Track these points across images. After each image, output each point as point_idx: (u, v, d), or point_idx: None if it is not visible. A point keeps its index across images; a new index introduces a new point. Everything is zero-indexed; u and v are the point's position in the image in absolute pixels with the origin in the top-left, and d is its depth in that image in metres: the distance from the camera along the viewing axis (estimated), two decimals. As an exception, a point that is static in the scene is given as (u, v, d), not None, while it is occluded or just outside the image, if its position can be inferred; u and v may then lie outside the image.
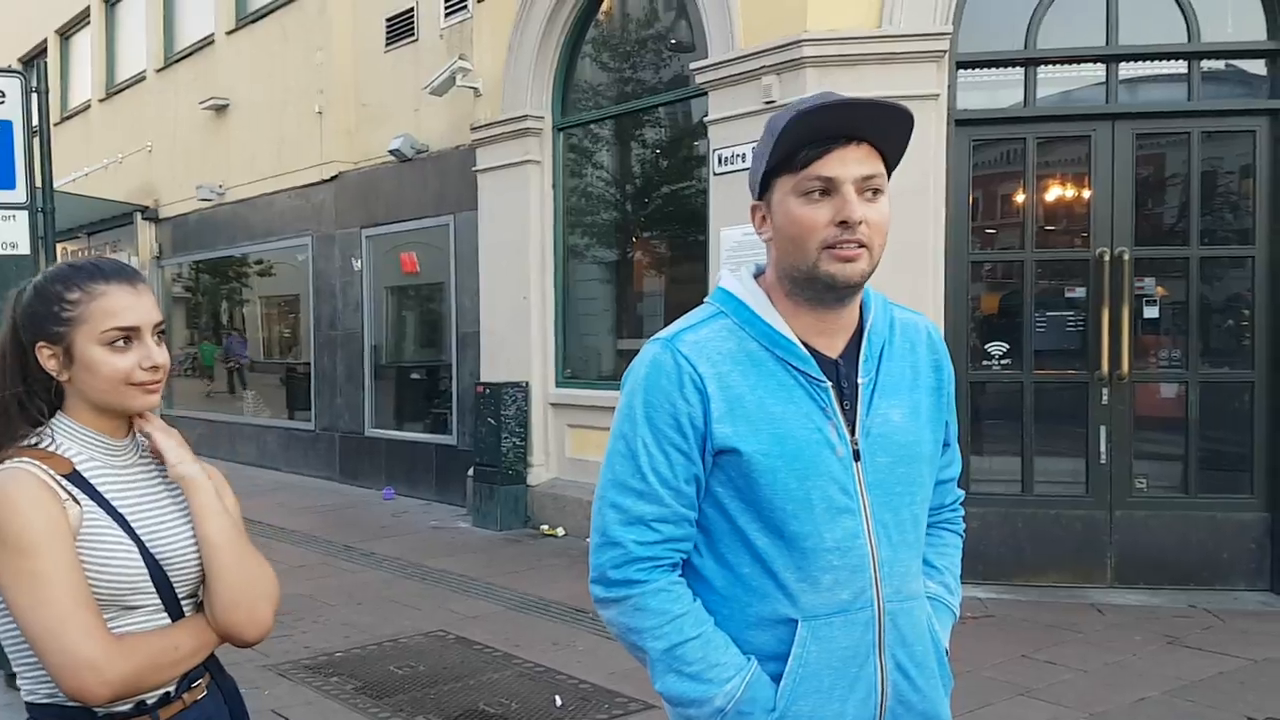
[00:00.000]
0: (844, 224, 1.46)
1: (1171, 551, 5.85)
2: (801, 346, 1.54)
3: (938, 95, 5.88)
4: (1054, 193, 6.36)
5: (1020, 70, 6.07)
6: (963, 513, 1.83)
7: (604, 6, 8.00)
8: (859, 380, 1.56)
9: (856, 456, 1.53)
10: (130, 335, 1.55)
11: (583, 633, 5.21)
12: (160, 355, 1.57)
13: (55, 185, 6.46)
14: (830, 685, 1.50)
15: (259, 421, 12.40)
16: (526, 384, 8.10)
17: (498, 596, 6.03)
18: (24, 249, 5.80)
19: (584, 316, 8.36)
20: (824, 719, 1.50)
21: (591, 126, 8.25)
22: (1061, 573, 5.94)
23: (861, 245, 1.48)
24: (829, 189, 1.47)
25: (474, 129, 8.45)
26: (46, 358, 1.54)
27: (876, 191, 1.49)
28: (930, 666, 1.59)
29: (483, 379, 8.42)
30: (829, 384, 1.53)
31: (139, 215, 14.01)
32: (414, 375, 10.23)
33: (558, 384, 8.15)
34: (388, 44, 10.01)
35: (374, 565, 6.95)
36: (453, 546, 7.49)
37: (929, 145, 5.82)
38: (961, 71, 6.05)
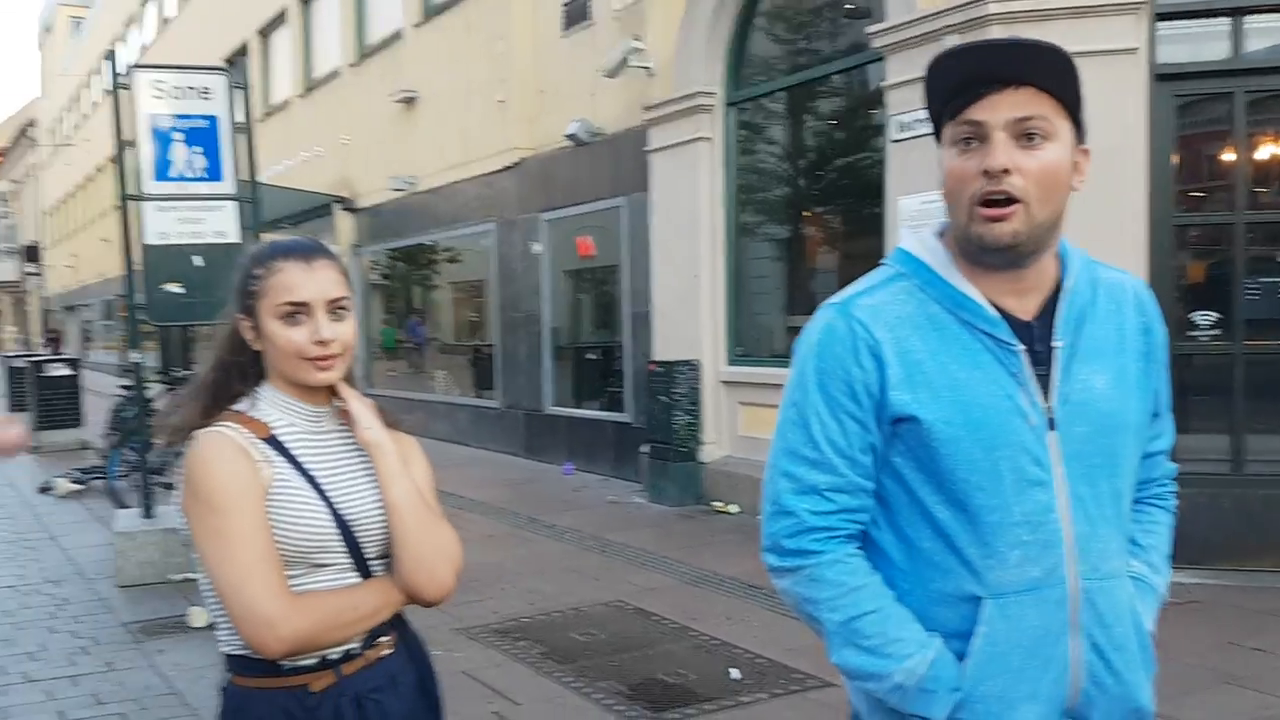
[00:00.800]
0: (988, 174, 1.38)
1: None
2: (990, 308, 1.45)
3: (1136, 49, 5.52)
4: (1266, 151, 5.85)
5: (1227, 20, 5.62)
6: (1174, 488, 1.69)
7: (776, -22, 7.90)
8: (1055, 344, 1.46)
9: (1051, 426, 1.44)
10: (301, 310, 1.60)
11: (757, 608, 5.21)
12: (329, 331, 1.60)
13: (259, 178, 6.94)
14: (1020, 665, 1.43)
15: (450, 399, 12.99)
16: (697, 362, 8.14)
17: (673, 570, 6.11)
18: (233, 237, 6.27)
19: (755, 294, 8.32)
20: (1013, 700, 1.43)
21: (763, 100, 8.18)
22: (1274, 557, 5.50)
23: (1012, 200, 1.38)
24: (978, 136, 1.39)
25: (646, 109, 8.53)
26: (245, 329, 1.65)
27: (1037, 136, 1.38)
28: (1131, 649, 1.49)
29: (654, 357, 8.52)
30: (1021, 348, 1.45)
31: (337, 206, 14.88)
32: (589, 355, 10.47)
33: (729, 361, 8.16)
34: (564, 29, 10.22)
35: (556, 537, 7.17)
36: (629, 521, 7.63)
37: (1128, 102, 5.48)
38: (1161, 23, 5.65)
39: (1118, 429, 1.48)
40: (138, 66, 6.62)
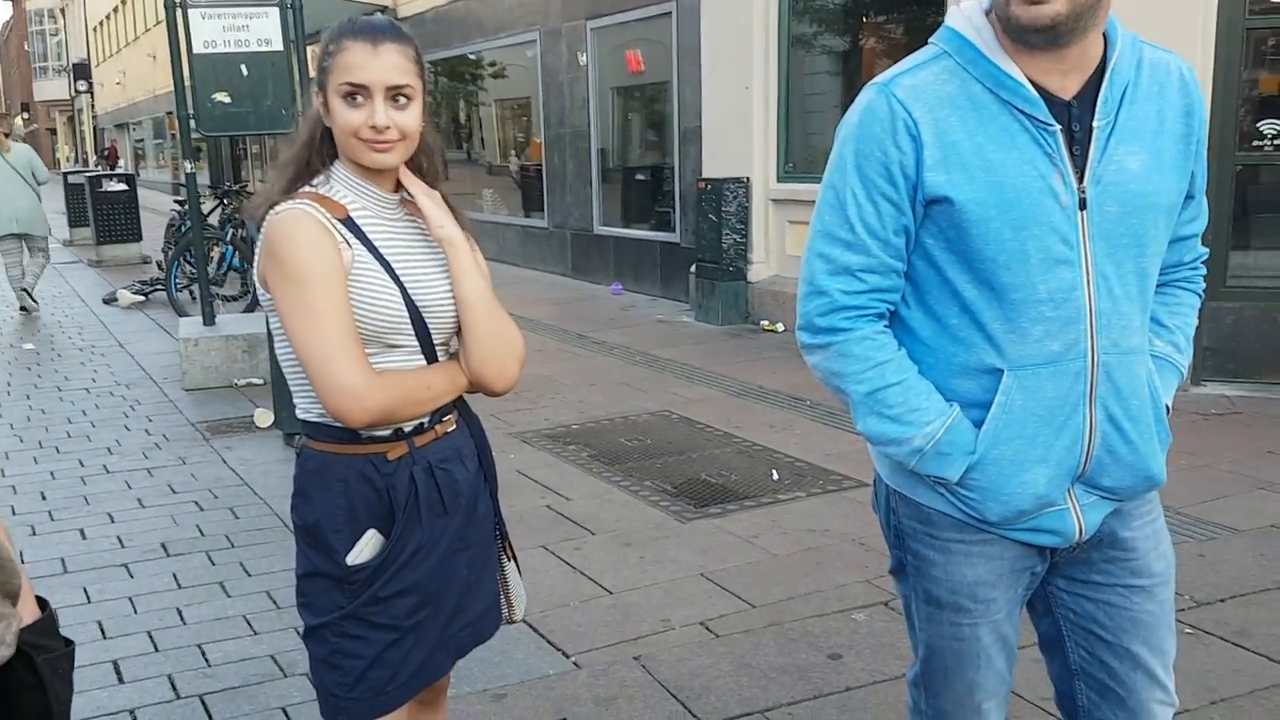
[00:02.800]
0: None
1: None
2: (1030, 87, 1.45)
3: None
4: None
5: None
6: (1204, 271, 1.72)
7: None
8: (1094, 124, 1.47)
9: (1083, 206, 1.47)
10: (359, 92, 1.60)
11: (800, 419, 5.35)
12: (383, 118, 1.60)
13: (303, -17, 6.78)
14: (1034, 433, 1.51)
15: (497, 219, 13.01)
16: (747, 180, 8.04)
17: (719, 383, 6.25)
18: (276, 45, 6.21)
19: (809, 113, 8.10)
20: (1025, 463, 1.52)
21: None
22: (1323, 374, 5.49)
23: None
24: None
25: (699, -91, 8.11)
26: (319, 103, 1.68)
27: None
28: (1146, 421, 1.56)
29: (704, 175, 8.42)
30: (1058, 128, 1.45)
31: (379, 14, 14.50)
32: (638, 174, 10.36)
33: (779, 179, 8.04)
34: None
35: (604, 352, 7.33)
36: (677, 338, 7.75)
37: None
38: None
39: (1148, 210, 1.50)
40: None
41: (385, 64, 1.61)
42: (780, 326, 7.77)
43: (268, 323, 1.69)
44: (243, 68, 6.22)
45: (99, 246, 13.03)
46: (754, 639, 3.07)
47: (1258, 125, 5.55)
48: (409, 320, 1.67)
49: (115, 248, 13.01)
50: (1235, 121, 5.47)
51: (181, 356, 6.42)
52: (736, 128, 8.13)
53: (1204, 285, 1.73)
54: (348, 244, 1.64)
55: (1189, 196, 1.60)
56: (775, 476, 4.53)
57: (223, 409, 5.82)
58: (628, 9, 9.67)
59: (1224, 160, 5.44)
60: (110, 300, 9.92)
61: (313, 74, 1.73)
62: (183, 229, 9.82)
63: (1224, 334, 5.58)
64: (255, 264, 1.70)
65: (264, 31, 6.29)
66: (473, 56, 13.06)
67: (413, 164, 1.74)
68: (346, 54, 1.62)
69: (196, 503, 4.35)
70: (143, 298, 9.84)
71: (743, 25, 7.91)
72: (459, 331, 1.75)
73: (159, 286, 9.72)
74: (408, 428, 1.71)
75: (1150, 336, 1.61)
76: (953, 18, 1.56)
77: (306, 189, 1.69)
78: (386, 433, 1.70)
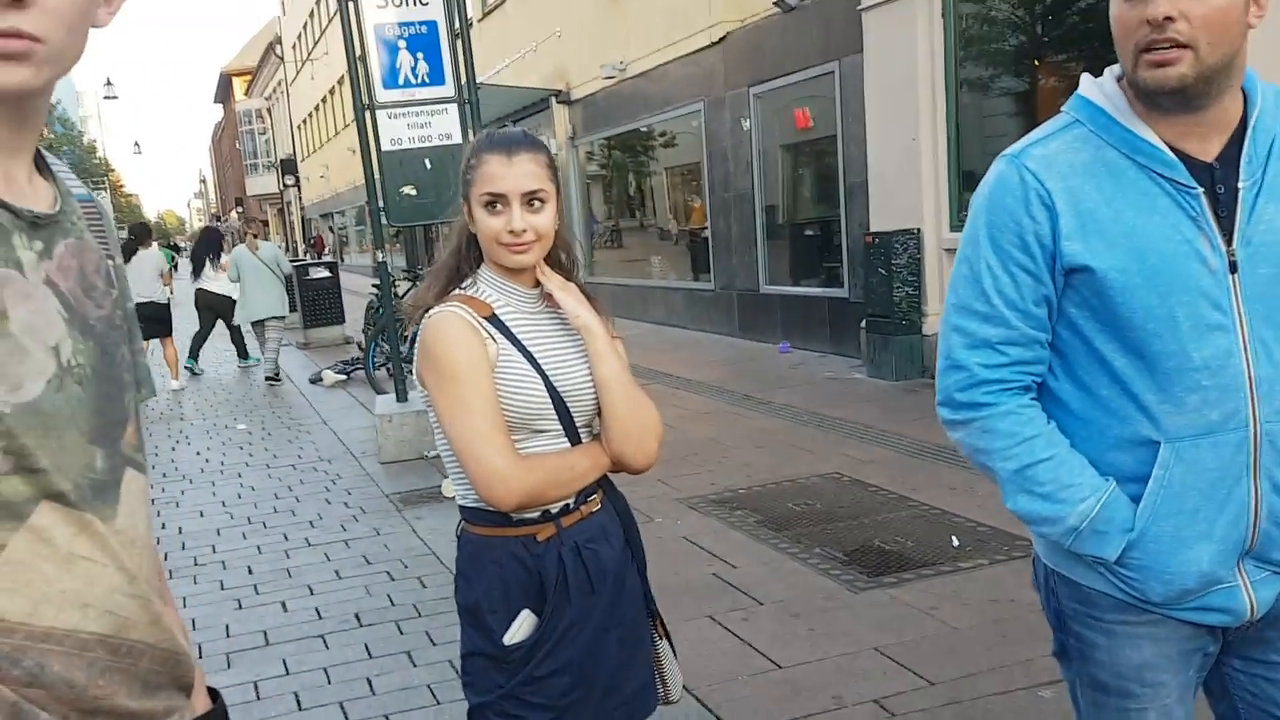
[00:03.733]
0: (1150, 22, 1.32)
1: None
2: (1167, 150, 1.42)
3: None
4: None
5: None
6: None
7: None
8: (1239, 184, 1.42)
9: (1234, 269, 1.41)
10: (499, 200, 1.74)
11: (981, 480, 5.12)
12: (521, 222, 1.73)
13: (479, 79, 7.23)
14: (1195, 507, 1.44)
15: (665, 284, 13.27)
16: (918, 231, 7.90)
17: (892, 443, 6.11)
18: (456, 139, 6.61)
19: (982, 154, 7.90)
20: (1187, 539, 1.45)
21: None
22: None
23: (1178, 45, 1.32)
24: None
25: (855, -32, 8.15)
26: (465, 212, 1.83)
27: None
28: None
29: (871, 229, 8.33)
30: (1200, 190, 1.41)
31: (553, 99, 15.23)
32: (805, 231, 10.35)
33: (952, 228, 7.85)
34: (765, -107, 9.84)
35: (772, 413, 7.30)
36: (847, 396, 7.64)
37: None
38: None
39: None
40: (360, -22, 6.98)
41: (519, 172, 1.74)
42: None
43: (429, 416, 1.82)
44: (426, 161, 6.67)
45: (306, 330, 14.07)
46: (932, 719, 2.97)
47: None
48: (552, 405, 1.77)
49: (321, 330, 14.02)
50: None
51: (378, 431, 6.84)
52: (904, 179, 8.03)
53: None
54: (493, 339, 1.76)
55: None
56: (955, 543, 4.37)
57: (414, 480, 6.15)
58: (790, 72, 9.78)
59: None
60: (316, 380, 10.67)
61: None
62: (379, 311, 10.51)
63: None
64: (415, 365, 1.84)
65: (445, 127, 6.73)
66: (643, 130, 13.47)
67: (551, 258, 1.85)
68: (485, 166, 1.76)
69: (388, 573, 4.60)
70: (345, 377, 10.54)
71: (907, 78, 7.85)
72: (600, 413, 1.83)
73: (359, 366, 10.39)
74: (555, 509, 1.80)
75: None
76: (1084, 86, 1.54)
77: (456, 291, 1.82)
78: (535, 515, 1.79)
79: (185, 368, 11.81)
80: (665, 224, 13.74)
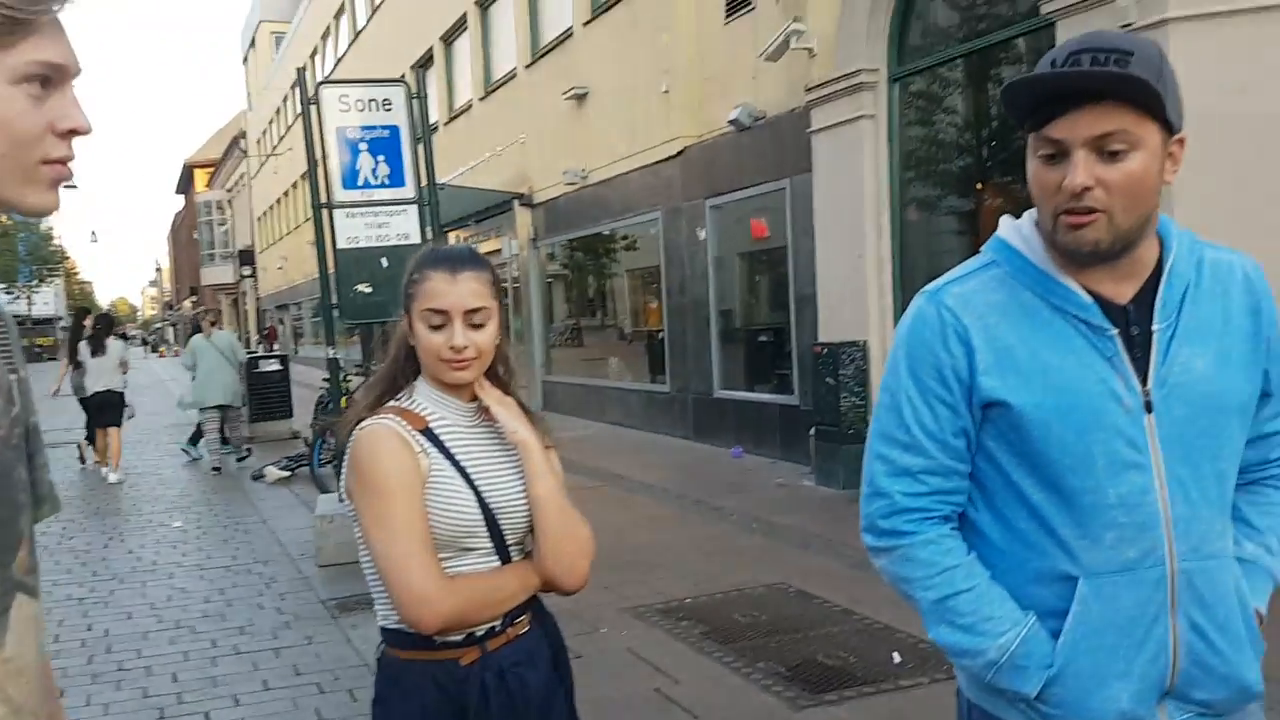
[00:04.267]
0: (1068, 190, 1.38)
1: None
2: (1083, 293, 1.46)
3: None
4: None
5: None
6: None
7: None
8: (1154, 327, 1.46)
9: (1149, 409, 1.44)
10: (440, 316, 1.74)
11: (924, 592, 5.14)
12: (462, 339, 1.73)
13: (444, 180, 7.35)
14: (1114, 644, 1.45)
15: (621, 385, 13.31)
16: (864, 343, 8.04)
17: (839, 553, 6.09)
18: (415, 239, 6.67)
19: (927, 271, 8.12)
20: (1106, 676, 1.45)
21: (927, 74, 7.96)
22: None
23: (1095, 210, 1.38)
24: (1060, 151, 1.40)
25: (808, 89, 8.47)
26: (403, 326, 1.83)
27: (1119, 151, 1.37)
28: (1236, 630, 1.48)
29: (820, 339, 8.47)
30: (1114, 332, 1.45)
31: (516, 202, 15.47)
32: (758, 337, 10.50)
33: (898, 342, 7.99)
34: (726, 16, 10.25)
35: (722, 519, 7.28)
36: (796, 504, 7.64)
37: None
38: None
39: (1219, 410, 1.47)
40: (325, 83, 7.12)
41: (463, 290, 1.74)
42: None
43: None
44: (383, 260, 6.70)
45: (253, 424, 13.86)
46: (867, 844, 2.90)
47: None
48: (484, 523, 1.74)
49: (268, 424, 13.82)
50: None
51: (317, 532, 6.69)
52: (851, 293, 8.21)
53: None
54: (426, 453, 1.74)
55: (1266, 394, 1.55)
56: (897, 659, 4.34)
57: (352, 585, 5.97)
58: (744, 187, 10.05)
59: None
60: (258, 477, 10.47)
61: None
62: (329, 406, 10.40)
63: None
64: (343, 477, 1.81)
65: (403, 227, 6.79)
66: (605, 233, 13.70)
67: (491, 372, 1.84)
68: (429, 282, 1.76)
69: (318, 685, 4.45)
70: (288, 473, 10.36)
71: (854, 196, 8.09)
72: (533, 531, 1.81)
73: (304, 462, 10.22)
74: (480, 631, 1.76)
75: (1238, 538, 1.54)
76: (1003, 228, 1.59)
77: (392, 403, 1.81)
78: (459, 637, 1.74)
79: (183, 450, 12.30)
80: (623, 325, 13.87)
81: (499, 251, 16.23)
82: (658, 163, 11.50)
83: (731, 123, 9.67)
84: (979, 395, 1.49)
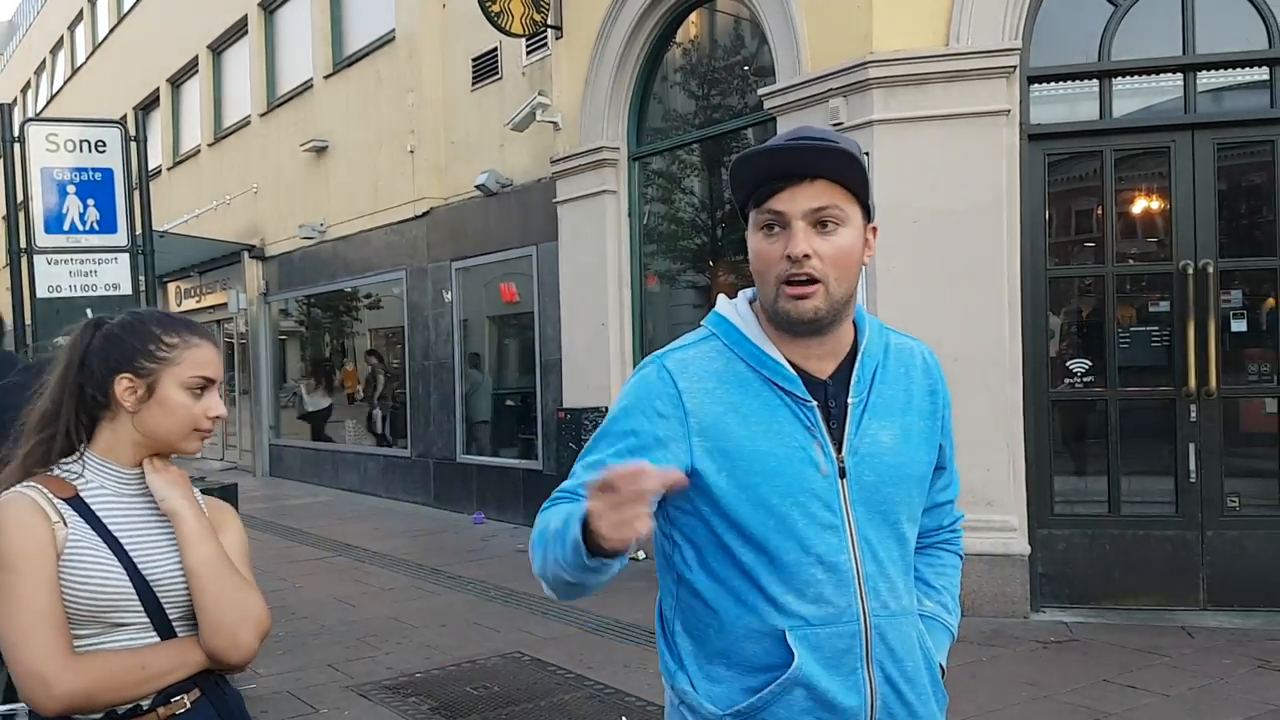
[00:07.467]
0: (790, 258, 1.52)
1: (1267, 572, 5.59)
2: (788, 367, 1.58)
3: (1009, 110, 5.81)
4: (1134, 206, 6.20)
5: (1095, 83, 5.94)
6: (962, 534, 1.84)
7: (676, 37, 8.14)
8: (849, 400, 1.60)
9: (843, 474, 1.57)
10: (207, 386, 1.74)
11: (655, 655, 5.24)
12: (221, 408, 1.76)
13: (167, 227, 6.89)
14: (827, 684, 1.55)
15: (359, 449, 12.83)
16: (606, 409, 8.20)
17: (575, 619, 6.12)
18: (125, 289, 6.19)
19: (664, 340, 8.39)
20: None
21: (665, 155, 8.38)
22: (1151, 595, 5.74)
23: (813, 280, 1.53)
24: (780, 223, 1.54)
25: (553, 161, 8.66)
26: (124, 389, 1.68)
27: (832, 224, 1.54)
28: (922, 682, 1.62)
29: (564, 405, 8.58)
30: (814, 403, 1.58)
31: (246, 254, 14.70)
32: (505, 401, 10.47)
33: (637, 409, 8.22)
34: (474, 83, 10.34)
35: (459, 588, 7.12)
36: (536, 570, 7.60)
37: (1001, 161, 5.76)
38: (1034, 86, 5.96)
39: (901, 480, 1.62)
40: (32, 120, 6.55)
41: (221, 361, 1.81)
42: (642, 554, 7.72)
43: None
44: (88, 311, 6.14)
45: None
46: None
47: (1067, 364, 6.04)
48: (136, 596, 1.64)
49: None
50: (1046, 359, 5.94)
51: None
52: (594, 360, 8.38)
53: (962, 546, 1.85)
54: (64, 522, 1.62)
55: (940, 467, 1.73)
56: (626, 723, 4.39)
57: None
58: (492, 251, 10.08)
59: (1039, 396, 5.86)
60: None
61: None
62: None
63: (1057, 560, 5.83)
64: None
65: (113, 276, 6.29)
66: (346, 290, 13.26)
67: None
68: (199, 351, 1.75)
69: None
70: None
71: (598, 266, 8.31)
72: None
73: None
74: (122, 710, 1.63)
75: (919, 596, 1.70)
76: (721, 305, 1.70)
77: (43, 472, 1.69)
78: (95, 717, 1.62)
79: None
80: (361, 386, 13.40)
81: (224, 305, 15.31)
82: (402, 221, 11.33)
83: (479, 187, 9.72)
84: (687, 459, 1.56)
